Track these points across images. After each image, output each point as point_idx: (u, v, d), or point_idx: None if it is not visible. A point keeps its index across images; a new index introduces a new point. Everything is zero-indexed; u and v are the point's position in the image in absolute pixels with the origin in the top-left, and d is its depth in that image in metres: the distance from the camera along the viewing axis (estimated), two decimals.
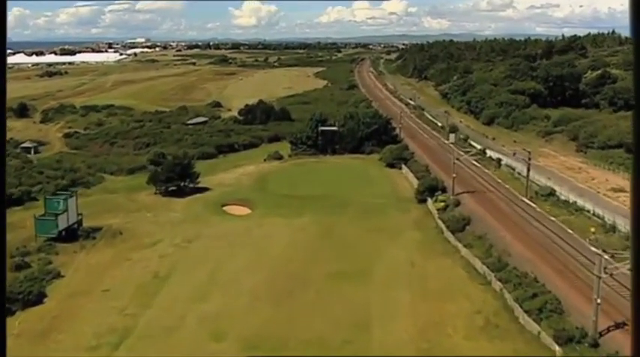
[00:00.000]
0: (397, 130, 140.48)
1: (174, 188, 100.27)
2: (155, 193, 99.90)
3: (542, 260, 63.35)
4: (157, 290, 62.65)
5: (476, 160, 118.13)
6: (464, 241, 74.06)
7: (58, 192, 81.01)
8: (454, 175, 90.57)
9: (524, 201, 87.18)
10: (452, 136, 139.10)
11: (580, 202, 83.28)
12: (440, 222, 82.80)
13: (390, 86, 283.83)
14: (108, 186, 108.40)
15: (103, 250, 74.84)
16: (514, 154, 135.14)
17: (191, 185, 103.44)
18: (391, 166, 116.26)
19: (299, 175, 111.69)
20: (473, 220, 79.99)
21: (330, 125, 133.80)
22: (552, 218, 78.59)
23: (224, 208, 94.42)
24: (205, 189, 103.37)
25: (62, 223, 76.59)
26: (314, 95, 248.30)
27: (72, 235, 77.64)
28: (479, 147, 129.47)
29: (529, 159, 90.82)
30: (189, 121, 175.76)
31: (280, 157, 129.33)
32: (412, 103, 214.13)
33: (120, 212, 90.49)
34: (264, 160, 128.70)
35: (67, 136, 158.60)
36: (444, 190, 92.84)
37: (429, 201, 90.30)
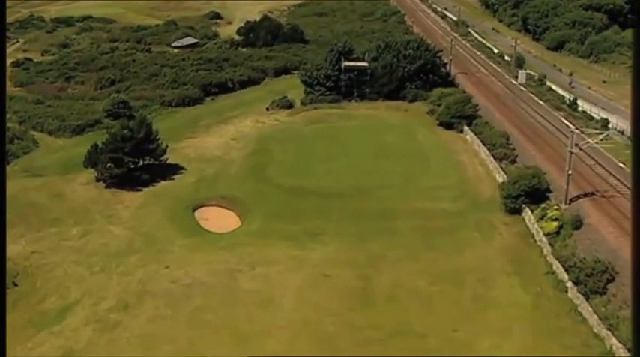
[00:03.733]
0: (448, 66, 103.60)
1: (126, 170, 65.71)
2: (97, 181, 65.53)
3: None
4: None
5: (564, 117, 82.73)
6: (618, 332, 39.92)
7: None
8: (569, 172, 55.16)
9: None
10: (521, 74, 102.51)
11: None
12: (556, 264, 48.55)
13: None
14: (36, 160, 73.86)
15: None
16: (570, 83, 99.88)
17: (156, 162, 69.15)
18: (448, 126, 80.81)
19: (315, 144, 76.37)
20: (618, 267, 45.47)
21: (358, 59, 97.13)
22: None
23: (197, 213, 60.21)
24: (174, 170, 69.02)
25: None
26: (330, 4, 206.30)
27: None
28: (564, 94, 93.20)
29: None
30: (174, 43, 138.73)
31: (289, 105, 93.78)
32: (452, 17, 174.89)
33: (31, 225, 56.79)
34: (267, 108, 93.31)
35: (15, 64, 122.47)
36: (546, 192, 57.96)
37: (529, 214, 55.62)
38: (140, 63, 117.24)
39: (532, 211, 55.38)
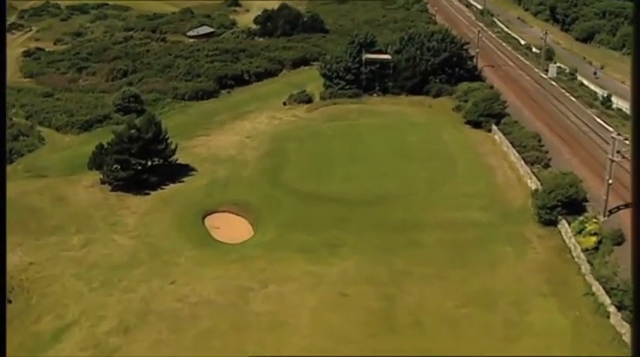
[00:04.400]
0: (475, 59, 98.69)
1: (133, 172, 61.95)
2: (102, 183, 61.91)
3: None
4: None
5: (597, 115, 78.06)
6: None
7: None
8: (609, 181, 50.72)
9: None
10: (552, 67, 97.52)
11: None
12: (596, 285, 44.16)
13: None
14: (40, 159, 70.41)
15: None
16: (595, 73, 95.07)
17: (165, 163, 65.35)
18: (476, 124, 76.14)
19: (334, 144, 72.18)
20: None
21: (380, 51, 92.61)
22: None
23: (207, 220, 56.38)
24: (184, 171, 65.11)
25: None
26: None
27: None
28: (597, 90, 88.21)
29: None
30: (190, 33, 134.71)
31: (308, 100, 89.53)
32: (476, 5, 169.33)
33: (30, 232, 53.29)
34: (284, 103, 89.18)
35: (26, 54, 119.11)
36: (583, 202, 53.47)
37: (565, 226, 51.12)
38: (154, 53, 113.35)
39: (569, 224, 50.90)
